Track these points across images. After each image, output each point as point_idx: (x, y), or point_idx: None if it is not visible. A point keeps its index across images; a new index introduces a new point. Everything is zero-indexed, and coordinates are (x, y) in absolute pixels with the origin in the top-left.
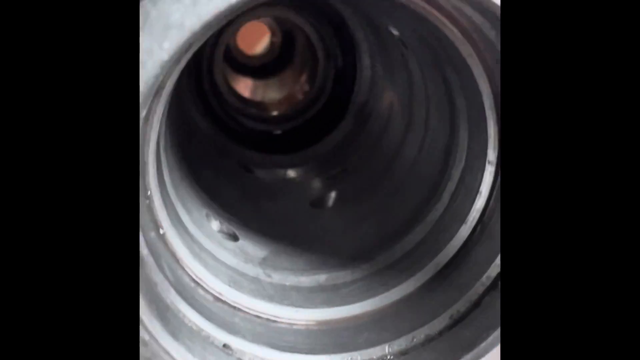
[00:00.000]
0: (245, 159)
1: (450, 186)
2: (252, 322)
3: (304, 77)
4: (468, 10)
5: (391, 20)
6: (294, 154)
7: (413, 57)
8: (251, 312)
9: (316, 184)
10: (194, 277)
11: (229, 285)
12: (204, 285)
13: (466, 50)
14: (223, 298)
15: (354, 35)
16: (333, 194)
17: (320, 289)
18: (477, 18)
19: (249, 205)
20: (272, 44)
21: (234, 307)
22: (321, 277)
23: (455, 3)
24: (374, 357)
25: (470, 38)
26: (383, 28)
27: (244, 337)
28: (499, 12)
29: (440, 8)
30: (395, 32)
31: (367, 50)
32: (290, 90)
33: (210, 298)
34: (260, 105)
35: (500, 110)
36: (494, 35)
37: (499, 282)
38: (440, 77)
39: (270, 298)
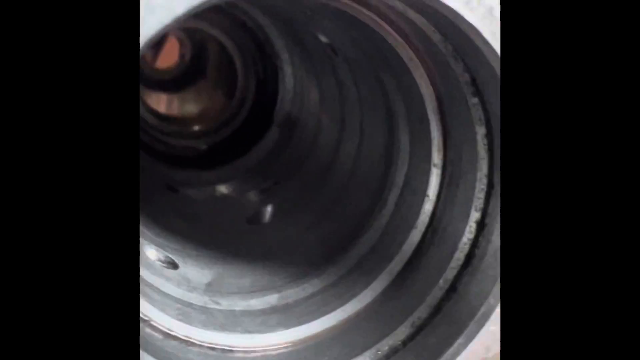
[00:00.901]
0: (173, 179)
1: (395, 191)
2: (207, 356)
3: (221, 88)
4: (411, 14)
5: (321, 27)
6: (221, 168)
7: (344, 63)
8: (205, 344)
9: (249, 198)
10: (142, 315)
11: (178, 320)
12: (153, 323)
13: (406, 54)
14: (173, 333)
15: (274, 45)
16: (269, 209)
17: (272, 310)
18: (420, 21)
19: (183, 228)
20: (182, 56)
21: (186, 342)
22: (272, 298)
23: (398, 7)
24: None
25: (410, 42)
26: (309, 35)
27: None
28: (444, 10)
29: (380, 14)
30: (324, 39)
31: (289, 60)
32: (208, 101)
33: (160, 336)
34: (180, 121)
35: (443, 113)
36: (438, 38)
37: (458, 285)
38: (376, 83)
39: (222, 327)
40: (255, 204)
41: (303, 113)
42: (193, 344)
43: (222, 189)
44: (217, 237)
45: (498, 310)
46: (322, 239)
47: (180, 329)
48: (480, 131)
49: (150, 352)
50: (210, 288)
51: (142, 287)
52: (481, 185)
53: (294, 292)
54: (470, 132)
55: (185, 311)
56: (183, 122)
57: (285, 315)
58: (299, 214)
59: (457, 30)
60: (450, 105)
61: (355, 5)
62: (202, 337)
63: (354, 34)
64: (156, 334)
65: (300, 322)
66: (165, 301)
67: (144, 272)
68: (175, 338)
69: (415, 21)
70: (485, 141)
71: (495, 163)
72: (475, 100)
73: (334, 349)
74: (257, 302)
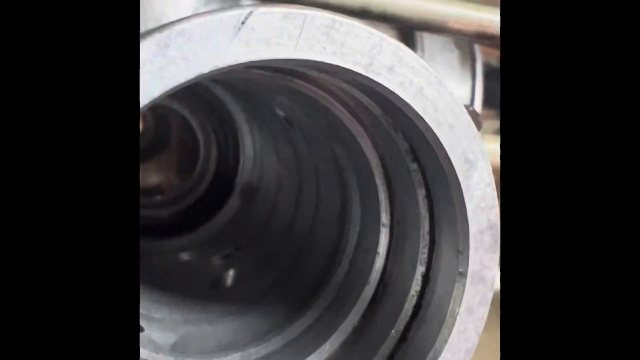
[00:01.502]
0: None
1: (349, 251)
2: None
3: (183, 160)
4: (355, 92)
5: (278, 103)
6: (183, 237)
7: (299, 134)
8: None
9: (211, 264)
10: None
11: None
12: None
13: (354, 127)
14: None
15: (235, 120)
16: (231, 273)
17: None
18: (364, 99)
19: (146, 293)
20: (144, 129)
21: None
22: (235, 357)
23: (345, 88)
24: None
25: (357, 116)
26: (267, 109)
27: None
28: (381, 90)
29: (330, 93)
30: (280, 113)
31: (249, 132)
32: (169, 174)
33: None
34: (141, 193)
35: (388, 179)
36: (379, 112)
37: (408, 334)
38: (329, 152)
39: None
40: (217, 269)
41: (263, 181)
42: None
43: (185, 256)
44: (181, 302)
45: (444, 354)
46: (282, 299)
47: None
48: (421, 193)
49: None
50: (175, 349)
51: None
52: (424, 241)
53: (256, 351)
54: (412, 194)
55: None
56: (144, 193)
57: None
58: (260, 277)
59: (394, 107)
60: (394, 171)
61: (309, 85)
62: None
63: (308, 110)
64: None
65: None
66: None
67: None
68: None
69: (360, 99)
70: (426, 202)
71: (436, 221)
72: (414, 165)
73: None
74: None
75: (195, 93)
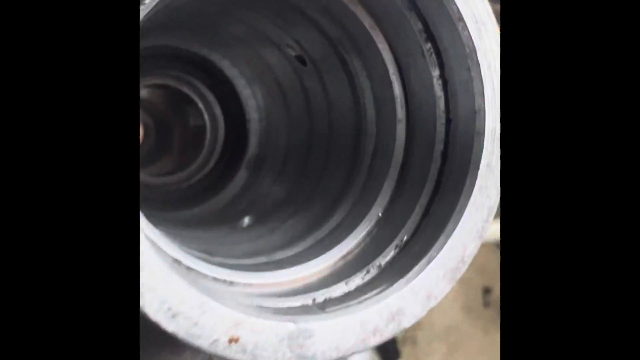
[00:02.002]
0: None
1: (366, 160)
2: (211, 286)
3: (190, 143)
4: None
5: (290, 32)
6: (194, 208)
7: (312, 69)
8: (208, 275)
9: (226, 218)
10: (150, 238)
11: (181, 254)
12: (161, 247)
13: (368, 21)
14: (180, 260)
15: (240, 94)
16: (246, 220)
17: (264, 264)
18: None
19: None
20: (146, 136)
21: (191, 270)
22: (262, 259)
23: None
24: (336, 292)
25: (368, 9)
26: (277, 56)
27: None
28: None
29: None
30: (293, 52)
31: (255, 106)
32: (172, 168)
33: (169, 258)
34: (149, 172)
35: (402, 72)
36: None
37: (431, 207)
38: (342, 70)
39: (222, 266)
40: (232, 218)
41: (270, 148)
42: (198, 272)
43: (198, 219)
44: (201, 235)
45: (469, 208)
46: (303, 219)
47: (185, 259)
48: (435, 74)
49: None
50: (204, 253)
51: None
52: (441, 120)
53: (283, 253)
54: (427, 77)
55: (187, 253)
56: (152, 172)
57: (277, 265)
58: (278, 215)
59: None
60: (408, 59)
61: None
62: (204, 270)
63: (323, 20)
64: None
65: (299, 263)
66: (168, 241)
67: None
68: (181, 264)
69: None
70: (440, 82)
71: (451, 99)
72: (428, 45)
73: (327, 280)
74: (250, 261)
75: (205, 70)
